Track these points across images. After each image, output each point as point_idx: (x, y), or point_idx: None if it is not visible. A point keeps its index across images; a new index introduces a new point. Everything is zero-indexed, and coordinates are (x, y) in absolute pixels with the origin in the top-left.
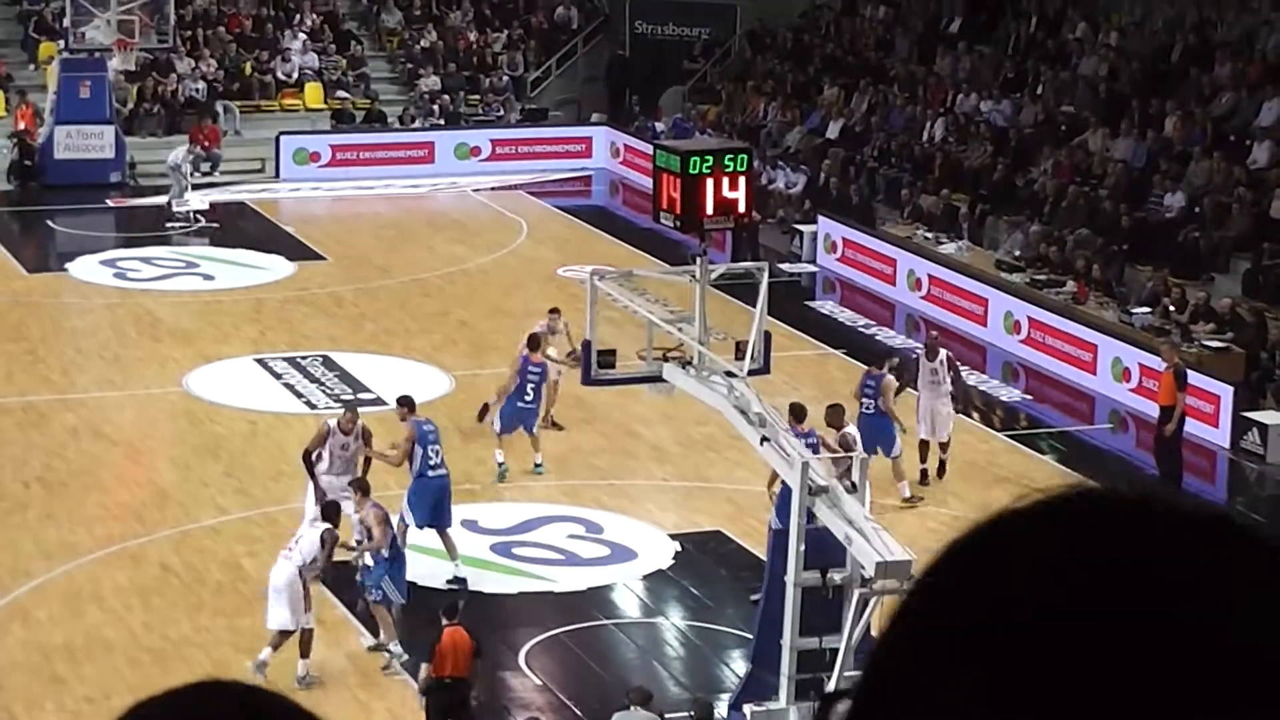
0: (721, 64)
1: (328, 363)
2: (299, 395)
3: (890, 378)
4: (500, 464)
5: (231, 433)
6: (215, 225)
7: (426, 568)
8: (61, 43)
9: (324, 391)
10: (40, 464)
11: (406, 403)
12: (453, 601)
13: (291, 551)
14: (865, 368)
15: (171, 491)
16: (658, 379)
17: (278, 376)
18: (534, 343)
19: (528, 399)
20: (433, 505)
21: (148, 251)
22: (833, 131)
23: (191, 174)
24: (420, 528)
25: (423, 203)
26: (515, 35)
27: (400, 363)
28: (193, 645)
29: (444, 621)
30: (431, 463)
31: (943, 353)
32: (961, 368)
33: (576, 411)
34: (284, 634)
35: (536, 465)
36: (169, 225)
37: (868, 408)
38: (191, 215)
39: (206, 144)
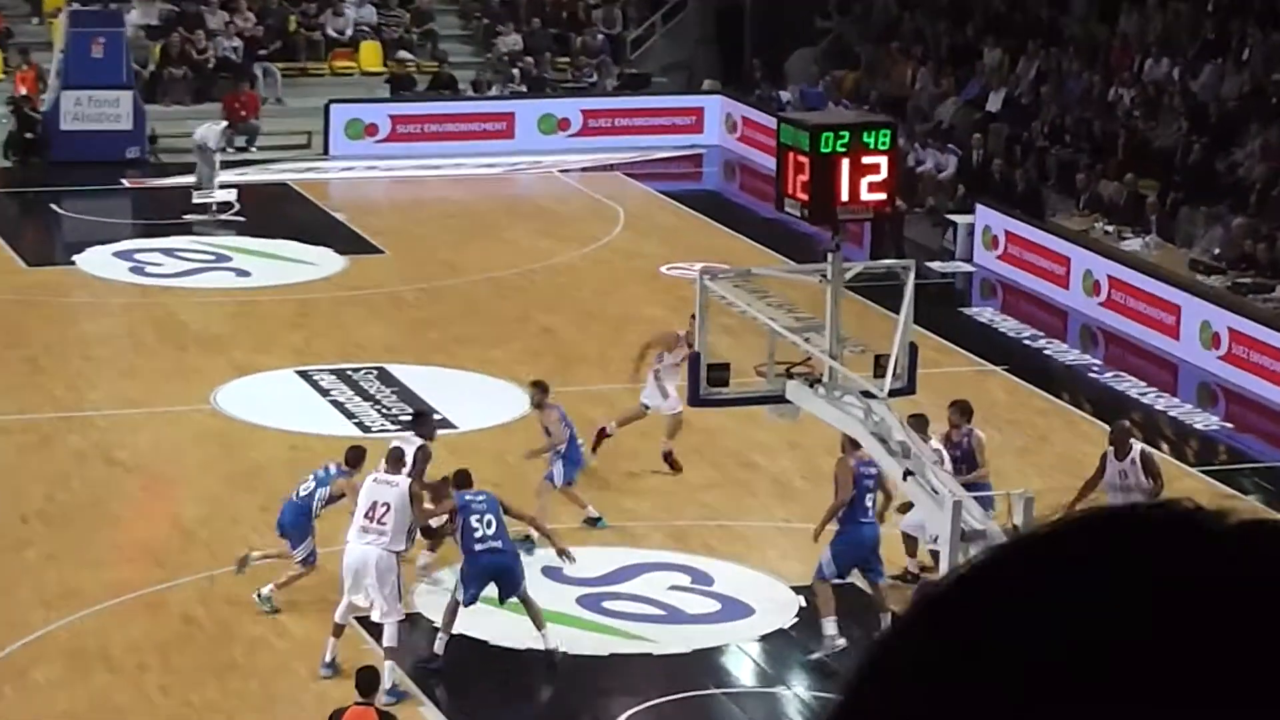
0: (862, 22)
1: (384, 376)
2: (349, 415)
3: (979, 434)
4: (594, 517)
5: (270, 459)
6: (241, 219)
7: (501, 625)
8: None
9: (379, 411)
10: (41, 495)
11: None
12: (371, 674)
13: (383, 527)
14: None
15: (197, 529)
16: (780, 399)
17: (324, 393)
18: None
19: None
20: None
21: (171, 242)
22: (994, 104)
23: (223, 154)
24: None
25: (500, 186)
26: None
27: (471, 378)
28: (219, 713)
29: (356, 698)
30: (478, 534)
31: (1136, 447)
32: (1120, 386)
33: (683, 438)
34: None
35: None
36: (186, 216)
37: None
38: (214, 206)
39: (243, 114)
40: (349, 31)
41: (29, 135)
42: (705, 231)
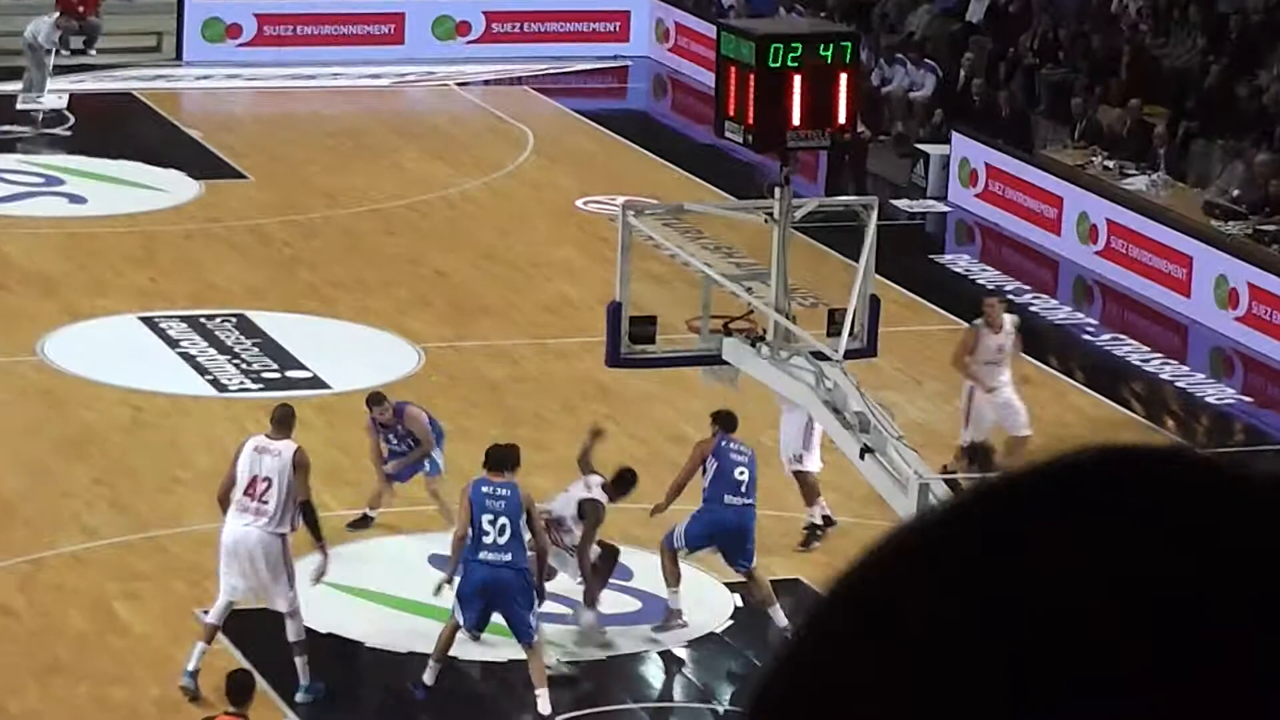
0: None
1: (244, 325)
2: (202, 371)
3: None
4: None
5: (107, 422)
6: (71, 133)
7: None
8: None
9: (238, 366)
10: None
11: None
12: (245, 678)
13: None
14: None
15: (19, 504)
16: (717, 360)
17: (173, 343)
18: None
19: None
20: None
21: None
22: (975, 13)
23: (56, 54)
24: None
25: (386, 101)
26: None
27: (349, 328)
28: None
29: (227, 707)
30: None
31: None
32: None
33: (598, 405)
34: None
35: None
36: (6, 127)
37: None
38: (41, 116)
39: (80, 9)
40: None
41: None
42: (629, 159)
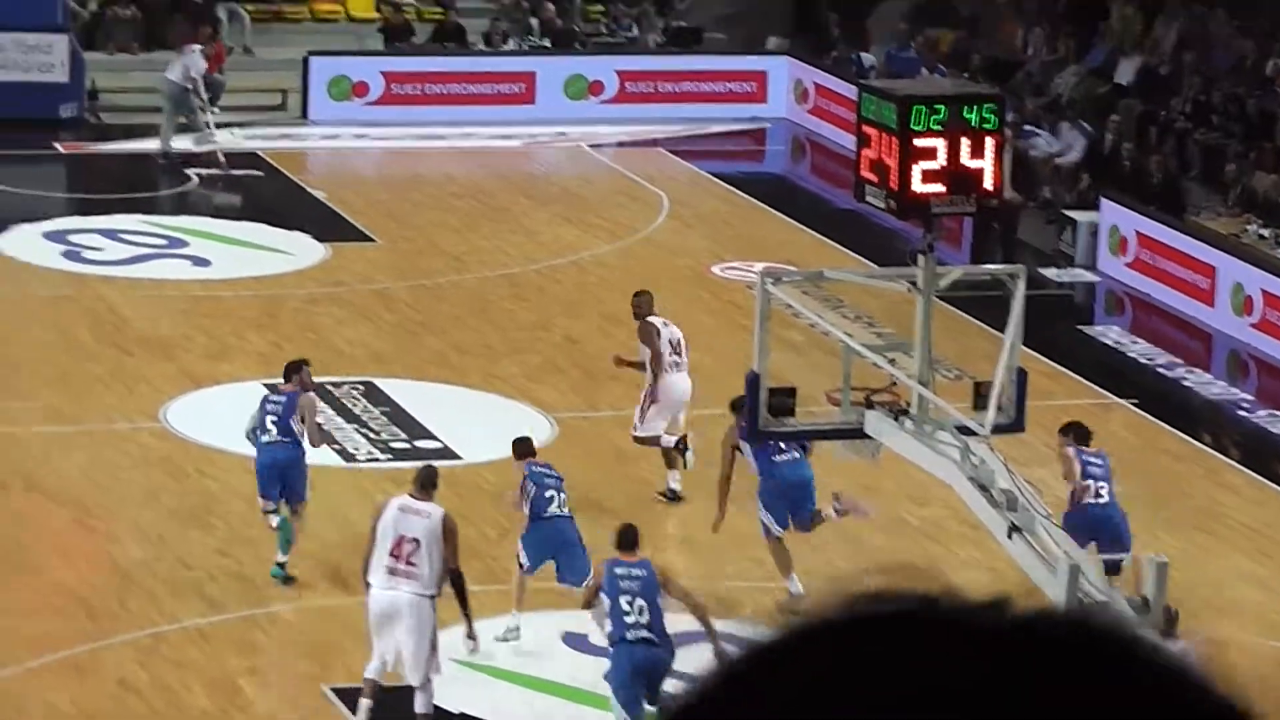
0: None
1: (371, 393)
2: (331, 441)
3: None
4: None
5: (229, 491)
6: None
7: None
8: None
9: (365, 435)
10: None
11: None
12: None
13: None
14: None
15: (139, 574)
16: (858, 434)
17: None
18: None
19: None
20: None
21: (114, 220)
22: (1125, 74)
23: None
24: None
25: (517, 162)
26: None
27: (478, 396)
28: None
29: None
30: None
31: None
32: (1276, 428)
33: (735, 477)
34: None
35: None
36: (194, 172)
37: (1100, 494)
38: (222, 155)
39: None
40: None
41: None
42: (767, 224)
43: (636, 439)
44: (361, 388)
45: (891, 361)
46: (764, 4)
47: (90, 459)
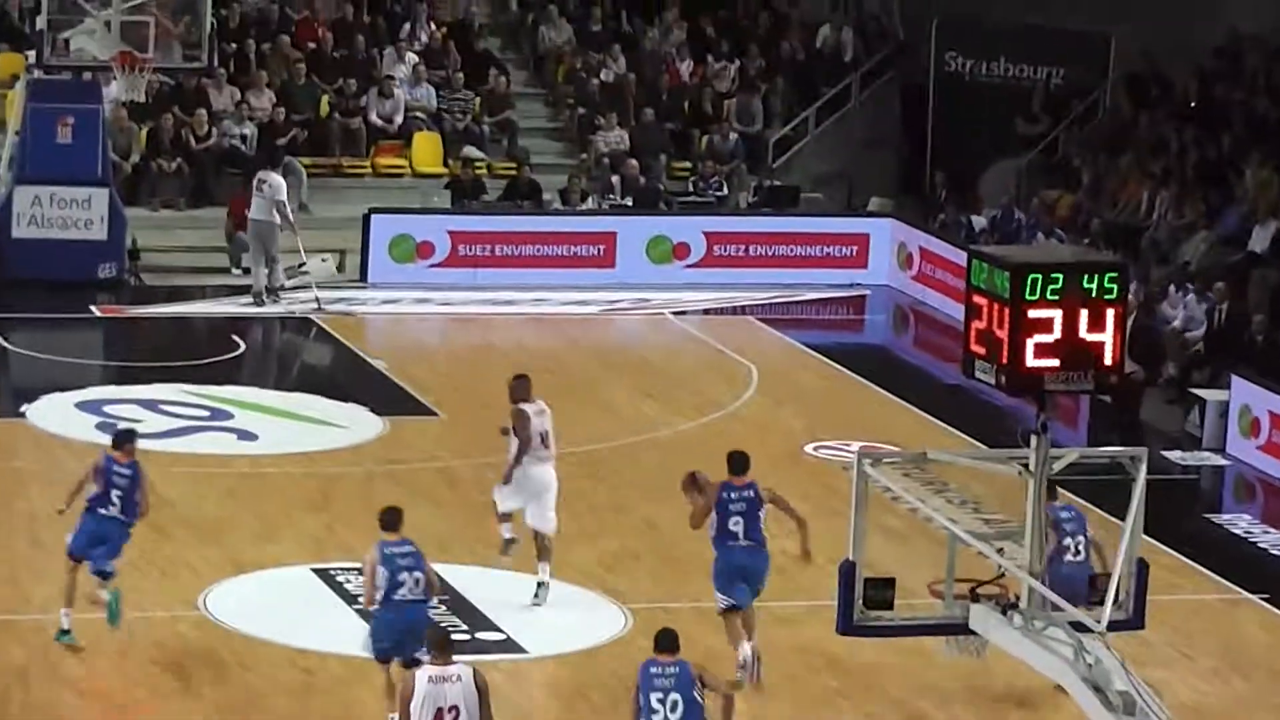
0: (1082, 125)
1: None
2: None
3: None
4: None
5: (273, 687)
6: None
7: None
8: (31, 55)
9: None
10: None
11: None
12: None
13: None
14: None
15: None
16: (963, 629)
17: (350, 599)
18: None
19: None
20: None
21: (153, 390)
22: (1260, 241)
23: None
24: None
25: (594, 330)
26: (753, 69)
27: (551, 585)
28: None
29: None
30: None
31: None
32: None
33: (826, 677)
34: None
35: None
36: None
37: (1079, 550)
38: (314, 283)
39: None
40: (399, 119)
41: None
42: (865, 400)
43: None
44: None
45: (1000, 551)
46: (865, 162)
47: (122, 649)
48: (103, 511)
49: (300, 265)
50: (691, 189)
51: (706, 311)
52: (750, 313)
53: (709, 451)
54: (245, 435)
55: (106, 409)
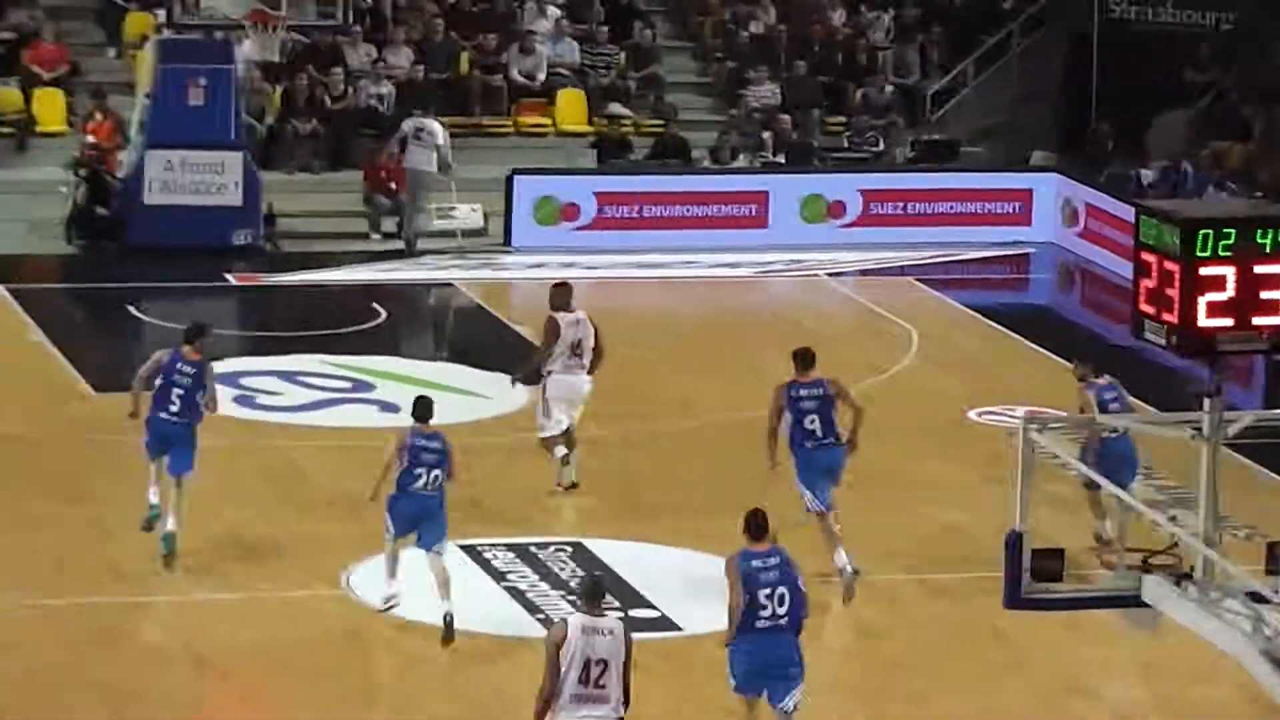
0: (1253, 74)
1: (580, 555)
2: (532, 609)
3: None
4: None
5: (420, 666)
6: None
7: None
8: (160, 13)
9: (574, 604)
10: (105, 708)
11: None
12: None
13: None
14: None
15: None
16: (1134, 601)
17: (499, 576)
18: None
19: None
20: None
21: (292, 361)
22: None
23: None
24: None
25: (748, 293)
26: (908, 18)
27: (701, 560)
28: None
29: None
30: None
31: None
32: None
33: (993, 652)
34: None
35: None
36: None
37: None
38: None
39: (392, 186)
40: (541, 76)
41: (101, 210)
42: (1030, 363)
43: (541, 440)
44: (569, 549)
45: (1173, 519)
46: (1028, 115)
47: (262, 629)
48: (162, 415)
49: (450, 207)
50: (846, 144)
51: (863, 272)
52: (909, 273)
53: (870, 419)
54: (388, 407)
55: (243, 381)
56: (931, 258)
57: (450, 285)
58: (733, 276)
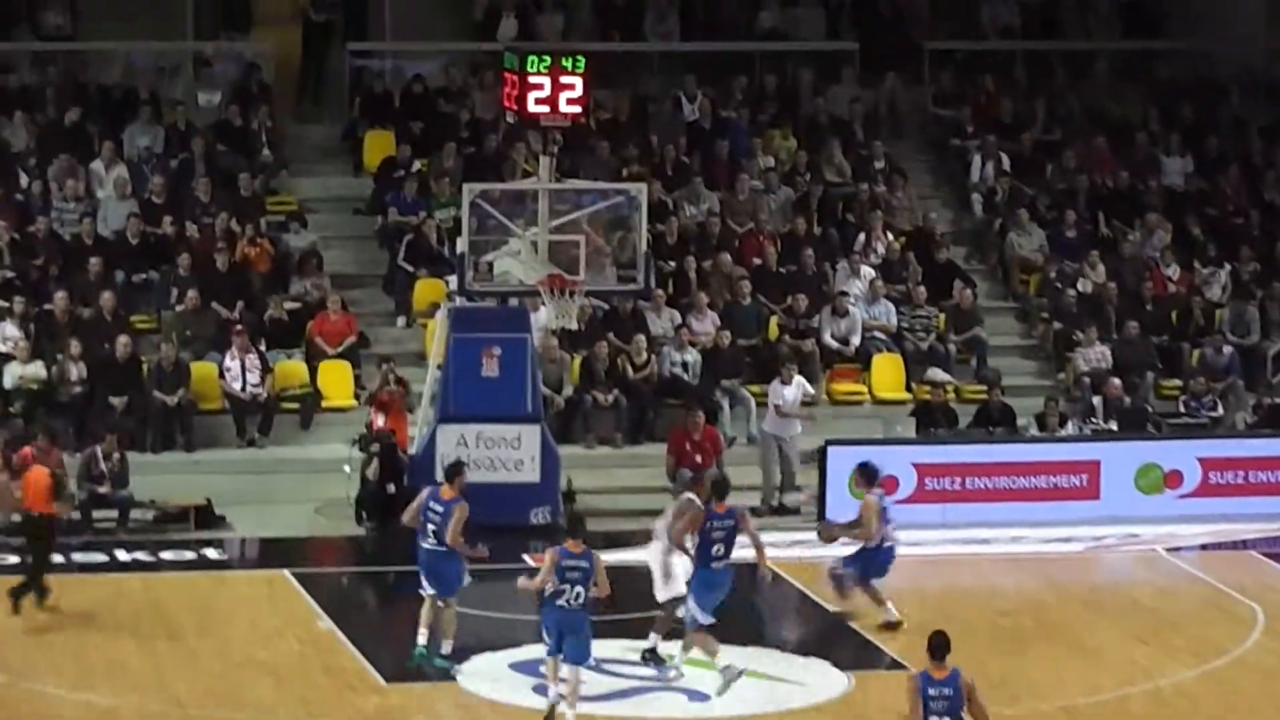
0: None
1: None
2: None
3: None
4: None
5: None
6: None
7: None
8: (451, 280)
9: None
10: None
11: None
12: None
13: None
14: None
15: None
16: None
17: None
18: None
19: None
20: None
21: (597, 648)
22: None
23: None
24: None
25: (1077, 570)
26: (1246, 273)
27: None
28: None
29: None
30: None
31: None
32: None
33: None
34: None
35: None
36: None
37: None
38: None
39: (698, 459)
40: (855, 339)
41: (391, 489)
42: None
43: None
44: None
45: None
46: None
47: None
48: (425, 545)
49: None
50: (1182, 409)
51: (1204, 546)
52: (1253, 546)
53: (1210, 703)
54: (696, 696)
55: (543, 669)
56: (1277, 530)
57: (754, 565)
58: (1063, 552)
